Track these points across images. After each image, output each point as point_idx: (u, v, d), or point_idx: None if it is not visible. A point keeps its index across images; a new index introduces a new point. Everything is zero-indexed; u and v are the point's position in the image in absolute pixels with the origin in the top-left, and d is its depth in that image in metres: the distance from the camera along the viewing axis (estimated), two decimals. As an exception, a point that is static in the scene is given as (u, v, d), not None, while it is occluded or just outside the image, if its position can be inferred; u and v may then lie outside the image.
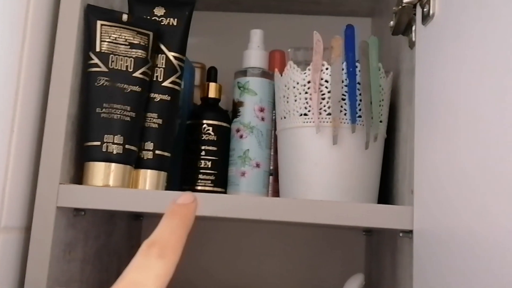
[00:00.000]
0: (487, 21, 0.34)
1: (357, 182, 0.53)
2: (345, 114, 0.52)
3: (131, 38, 0.52)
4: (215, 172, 0.61)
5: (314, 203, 0.47)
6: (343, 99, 0.52)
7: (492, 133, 0.32)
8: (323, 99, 0.52)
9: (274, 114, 0.62)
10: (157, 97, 0.53)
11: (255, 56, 0.62)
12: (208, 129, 0.61)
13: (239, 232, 0.80)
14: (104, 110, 0.50)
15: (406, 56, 0.53)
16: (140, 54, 0.52)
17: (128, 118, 0.50)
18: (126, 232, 0.73)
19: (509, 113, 0.30)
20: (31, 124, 0.49)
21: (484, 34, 0.34)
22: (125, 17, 0.52)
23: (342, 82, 0.52)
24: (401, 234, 0.48)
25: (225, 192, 0.61)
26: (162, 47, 0.54)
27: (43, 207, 0.47)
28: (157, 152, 0.53)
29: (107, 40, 0.51)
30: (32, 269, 0.46)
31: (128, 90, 0.51)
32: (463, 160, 0.36)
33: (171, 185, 0.56)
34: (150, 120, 0.53)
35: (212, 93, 0.64)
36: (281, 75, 0.56)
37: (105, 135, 0.49)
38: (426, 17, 0.44)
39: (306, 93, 0.53)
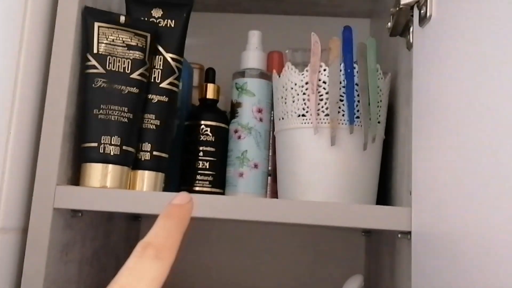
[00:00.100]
0: (484, 23, 0.34)
1: (355, 183, 0.52)
2: (343, 115, 0.52)
3: (129, 40, 0.52)
4: (213, 173, 0.61)
5: (312, 204, 0.47)
6: (341, 100, 0.52)
7: (489, 134, 0.32)
8: (321, 100, 0.52)
9: (272, 115, 0.62)
10: (155, 98, 0.53)
11: (253, 57, 0.62)
12: (206, 130, 0.61)
13: (239, 232, 0.80)
14: (101, 111, 0.50)
15: (404, 57, 0.53)
16: (137, 55, 0.52)
17: (126, 120, 0.50)
18: (124, 233, 0.73)
19: (506, 114, 0.30)
20: (28, 125, 0.49)
21: (481, 35, 0.34)
22: (122, 18, 0.52)
23: (340, 83, 0.52)
24: (399, 235, 0.48)
25: (223, 193, 0.61)
26: (160, 48, 0.54)
27: (40, 208, 0.47)
28: (154, 153, 0.52)
29: (105, 41, 0.51)
30: (29, 270, 0.46)
31: (126, 92, 0.51)
32: (461, 161, 0.36)
33: (169, 186, 0.56)
34: (148, 121, 0.53)
35: (210, 94, 0.64)
36: (279, 76, 0.56)
37: (103, 136, 0.49)
38: (423, 19, 0.44)
39: (304, 94, 0.53)
